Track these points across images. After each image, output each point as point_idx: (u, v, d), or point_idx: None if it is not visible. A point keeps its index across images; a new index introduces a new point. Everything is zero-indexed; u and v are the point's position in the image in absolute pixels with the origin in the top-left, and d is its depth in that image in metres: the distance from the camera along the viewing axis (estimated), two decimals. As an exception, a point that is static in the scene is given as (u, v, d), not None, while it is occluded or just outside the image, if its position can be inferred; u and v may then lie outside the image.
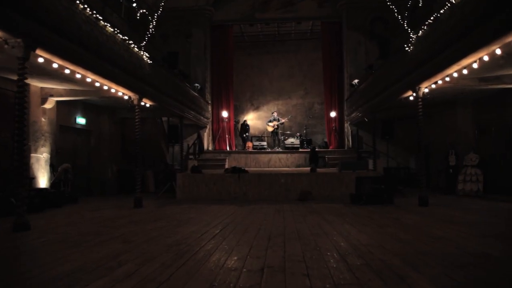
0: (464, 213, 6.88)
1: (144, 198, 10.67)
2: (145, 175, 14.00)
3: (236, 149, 16.96)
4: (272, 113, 17.66)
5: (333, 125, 16.42)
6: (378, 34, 15.38)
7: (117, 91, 8.52)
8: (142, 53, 9.22)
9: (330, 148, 16.21)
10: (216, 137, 16.66)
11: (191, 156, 14.91)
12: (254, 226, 5.62)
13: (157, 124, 14.71)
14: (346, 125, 15.98)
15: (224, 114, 16.65)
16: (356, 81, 14.44)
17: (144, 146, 13.83)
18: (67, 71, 6.61)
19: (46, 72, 7.44)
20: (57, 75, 7.47)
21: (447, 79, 7.42)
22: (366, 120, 13.23)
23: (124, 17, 14.29)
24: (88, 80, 7.35)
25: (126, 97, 9.00)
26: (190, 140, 15.34)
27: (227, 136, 16.59)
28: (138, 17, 13.58)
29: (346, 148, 15.77)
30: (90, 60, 6.69)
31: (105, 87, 8.08)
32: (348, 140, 15.91)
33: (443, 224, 5.56)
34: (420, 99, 8.28)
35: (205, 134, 16.22)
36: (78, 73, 6.86)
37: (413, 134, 14.75)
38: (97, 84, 7.74)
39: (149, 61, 9.59)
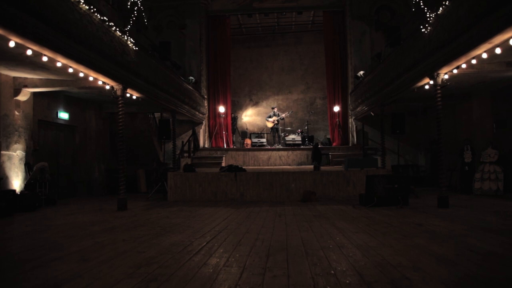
0: (495, 217, 5.89)
1: (134, 199, 9.76)
2: (136, 174, 13.06)
3: (234, 146, 15.98)
4: (272, 108, 16.68)
5: (337, 120, 15.43)
6: (384, 23, 14.45)
7: (96, 79, 7.53)
8: (126, 38, 8.21)
9: (334, 145, 15.21)
10: (213, 134, 15.69)
11: (185, 154, 13.92)
12: (250, 236, 4.64)
13: (149, 120, 13.70)
14: (350, 120, 15.00)
15: (221, 109, 15.66)
16: (361, 72, 13.49)
17: (135, 143, 12.92)
18: (29, 52, 5.61)
19: (10, 56, 6.46)
20: (22, 59, 6.48)
21: (474, 61, 6.43)
22: (373, 114, 12.25)
23: (114, 6, 13.34)
24: (59, 64, 6.35)
25: (107, 87, 8.01)
26: (185, 137, 14.36)
27: (224, 132, 15.63)
28: (128, 6, 12.67)
29: (350, 145, 14.79)
30: (57, 39, 5.67)
31: (81, 74, 7.08)
32: (352, 136, 14.93)
33: (480, 233, 4.55)
34: (438, 87, 7.32)
35: (201, 130, 15.25)
36: (45, 55, 5.86)
37: (421, 130, 13.89)
38: (71, 70, 6.74)
39: (134, 48, 8.59)
